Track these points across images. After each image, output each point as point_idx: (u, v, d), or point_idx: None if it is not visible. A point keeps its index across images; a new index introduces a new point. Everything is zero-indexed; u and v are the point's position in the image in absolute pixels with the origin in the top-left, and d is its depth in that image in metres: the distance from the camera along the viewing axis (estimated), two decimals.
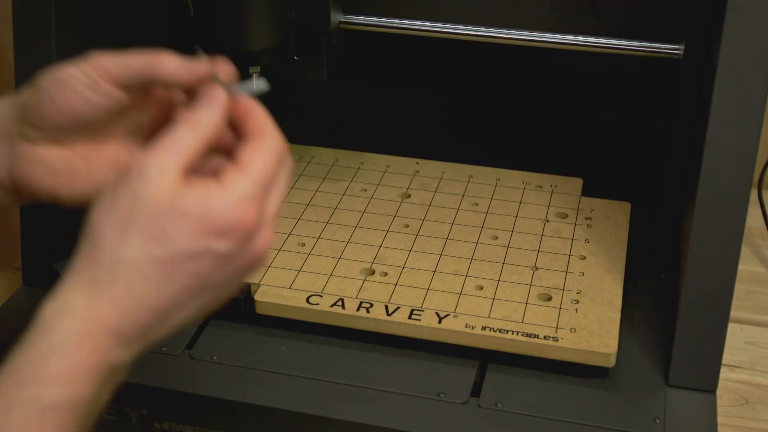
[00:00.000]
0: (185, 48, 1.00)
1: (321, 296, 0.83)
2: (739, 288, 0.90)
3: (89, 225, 0.53)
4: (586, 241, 0.90)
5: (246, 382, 0.78)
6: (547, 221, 0.93)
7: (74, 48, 0.88)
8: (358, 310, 0.81)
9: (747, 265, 1.03)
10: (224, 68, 0.60)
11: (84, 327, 0.51)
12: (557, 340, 0.77)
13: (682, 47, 0.84)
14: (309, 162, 1.03)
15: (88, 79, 0.59)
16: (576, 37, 0.89)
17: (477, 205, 0.95)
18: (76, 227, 0.92)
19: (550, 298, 0.82)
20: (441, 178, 1.00)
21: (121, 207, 0.52)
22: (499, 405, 0.76)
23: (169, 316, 0.54)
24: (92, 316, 0.51)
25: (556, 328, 0.79)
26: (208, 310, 0.57)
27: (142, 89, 0.60)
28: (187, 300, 0.54)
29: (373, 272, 0.86)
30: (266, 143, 0.57)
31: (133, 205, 0.52)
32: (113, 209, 0.53)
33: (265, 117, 0.58)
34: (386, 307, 0.81)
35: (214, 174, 0.54)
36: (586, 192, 0.97)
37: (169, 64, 0.59)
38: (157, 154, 0.53)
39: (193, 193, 0.53)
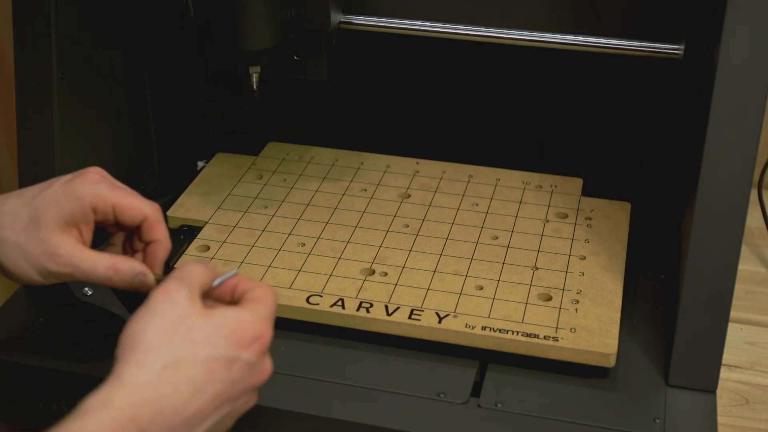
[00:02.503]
0: (186, 48, 1.00)
1: (321, 296, 0.83)
2: (739, 288, 0.90)
3: (131, 337, 0.60)
4: (586, 241, 0.90)
5: None
6: (547, 221, 0.93)
7: (74, 48, 0.88)
8: (358, 310, 0.81)
9: (747, 265, 1.03)
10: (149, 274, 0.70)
11: (118, 419, 0.56)
12: (557, 340, 0.77)
13: (682, 47, 0.84)
14: (309, 162, 1.03)
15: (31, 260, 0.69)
16: (576, 37, 0.89)
17: (477, 205, 0.95)
18: None
19: (550, 298, 0.82)
20: (441, 178, 1.00)
21: (166, 319, 0.61)
22: (499, 405, 0.76)
23: (194, 426, 0.60)
24: (128, 413, 0.56)
25: (556, 328, 0.79)
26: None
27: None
28: (214, 411, 0.61)
29: (373, 272, 0.86)
30: (269, 290, 0.67)
31: (176, 318, 0.61)
32: (156, 321, 0.61)
33: (254, 280, 0.68)
34: (386, 307, 0.81)
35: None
36: (586, 192, 0.97)
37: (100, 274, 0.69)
38: (182, 278, 0.64)
39: (225, 311, 0.63)
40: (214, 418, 0.61)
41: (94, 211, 0.70)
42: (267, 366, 0.65)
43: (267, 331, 0.65)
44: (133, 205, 0.71)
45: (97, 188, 0.71)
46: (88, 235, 0.71)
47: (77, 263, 0.68)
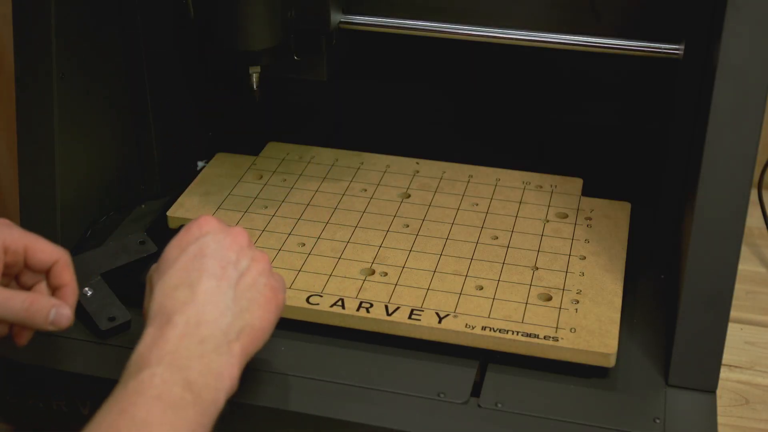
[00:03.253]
0: (186, 48, 1.00)
1: (321, 296, 0.83)
2: (739, 288, 0.90)
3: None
4: (586, 241, 0.90)
5: (246, 382, 0.78)
6: (547, 221, 0.93)
7: (74, 48, 0.88)
8: (358, 310, 0.81)
9: (747, 265, 1.03)
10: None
11: (155, 334, 0.64)
12: (557, 340, 0.77)
13: (682, 47, 0.84)
14: (309, 162, 1.03)
15: None
16: (576, 37, 0.89)
17: (477, 205, 0.95)
18: (74, 229, 0.92)
19: (550, 298, 0.82)
20: (441, 178, 1.00)
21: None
22: (499, 405, 0.76)
23: (214, 300, 0.66)
24: (158, 328, 0.65)
25: (556, 328, 0.79)
26: (261, 299, 0.69)
27: None
28: (218, 283, 0.67)
29: (373, 272, 0.86)
30: None
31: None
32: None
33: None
34: (386, 307, 0.81)
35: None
36: (586, 192, 0.97)
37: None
38: None
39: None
40: (228, 285, 0.67)
41: (5, 251, 0.71)
42: (234, 229, 0.71)
43: (208, 218, 0.72)
44: (45, 248, 0.73)
45: (9, 229, 0.72)
46: None
47: None
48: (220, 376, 0.63)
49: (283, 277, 0.85)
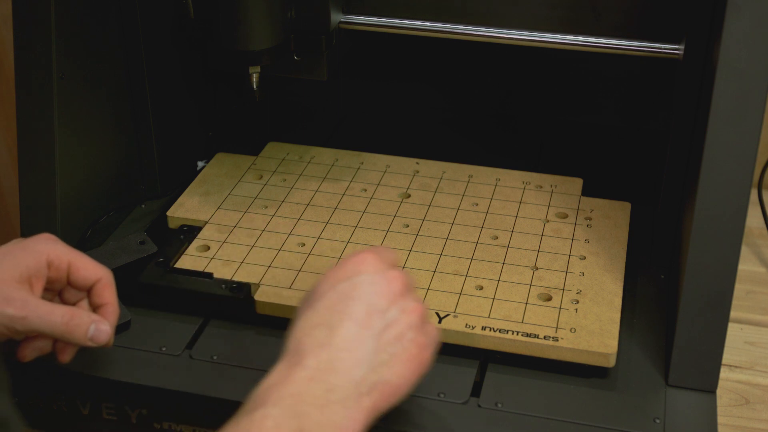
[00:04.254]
0: (185, 48, 1.00)
1: None
2: (739, 288, 0.90)
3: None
4: (586, 241, 0.90)
5: (246, 382, 0.77)
6: (547, 221, 0.93)
7: (74, 48, 0.88)
8: None
9: (747, 265, 1.03)
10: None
11: (284, 372, 0.62)
12: (557, 340, 0.77)
13: (682, 47, 0.84)
14: (309, 162, 1.03)
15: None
16: (576, 37, 0.89)
17: (477, 205, 0.95)
18: (74, 229, 0.91)
19: (550, 298, 0.82)
20: (441, 178, 1.00)
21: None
22: (499, 405, 0.76)
23: (351, 348, 0.63)
24: (290, 365, 0.63)
25: (556, 328, 0.79)
26: (403, 355, 0.65)
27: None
28: (360, 331, 0.64)
29: None
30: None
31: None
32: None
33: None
34: None
35: None
36: (586, 192, 0.97)
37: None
38: None
39: None
40: (370, 335, 0.64)
41: (49, 265, 0.72)
42: (392, 274, 0.67)
43: (370, 255, 0.68)
44: (89, 265, 0.73)
45: (54, 245, 0.73)
46: (39, 290, 0.72)
47: (33, 308, 0.69)
48: (341, 429, 0.60)
49: (283, 277, 0.85)
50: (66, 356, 0.73)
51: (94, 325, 0.71)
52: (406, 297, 0.67)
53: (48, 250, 0.72)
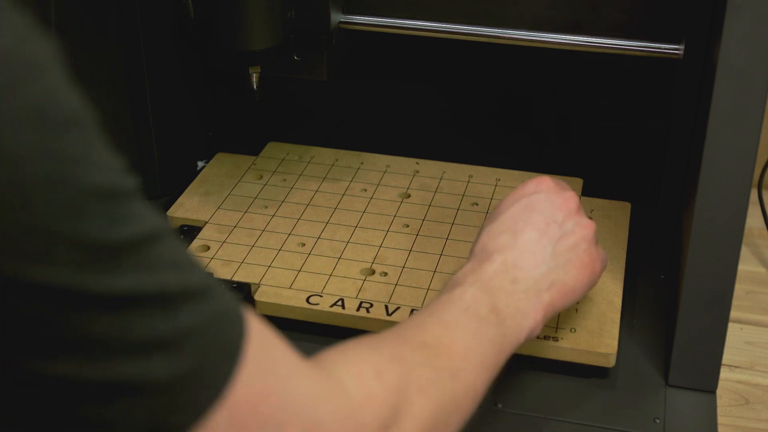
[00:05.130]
0: (185, 48, 1.00)
1: (321, 296, 0.83)
2: (739, 288, 0.90)
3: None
4: None
5: None
6: None
7: (74, 48, 0.88)
8: (358, 310, 0.81)
9: (747, 265, 1.03)
10: None
11: (472, 268, 0.70)
12: (557, 340, 0.77)
13: (682, 47, 0.84)
14: (309, 162, 1.03)
15: None
16: (576, 37, 0.89)
17: (477, 205, 0.95)
18: None
19: None
20: (441, 178, 1.00)
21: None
22: (499, 405, 0.75)
23: (532, 250, 0.70)
24: (477, 264, 0.71)
25: (556, 328, 0.79)
26: (578, 261, 0.72)
27: None
28: (539, 237, 0.71)
29: (373, 272, 0.86)
30: None
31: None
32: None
33: None
34: (386, 307, 0.81)
35: None
36: (586, 192, 0.97)
37: None
38: None
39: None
40: (548, 241, 0.71)
41: None
42: (567, 192, 0.75)
43: (544, 178, 0.76)
44: None
45: None
46: None
47: None
48: (525, 315, 0.67)
49: (283, 277, 0.85)
50: None
51: None
52: (581, 214, 0.75)
53: None
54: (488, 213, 0.94)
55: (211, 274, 0.47)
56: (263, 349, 0.47)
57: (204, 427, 0.43)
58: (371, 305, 0.81)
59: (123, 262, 0.41)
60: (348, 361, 0.54)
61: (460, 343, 0.61)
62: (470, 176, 1.00)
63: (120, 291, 0.41)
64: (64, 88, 0.42)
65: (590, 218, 0.76)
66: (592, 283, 0.73)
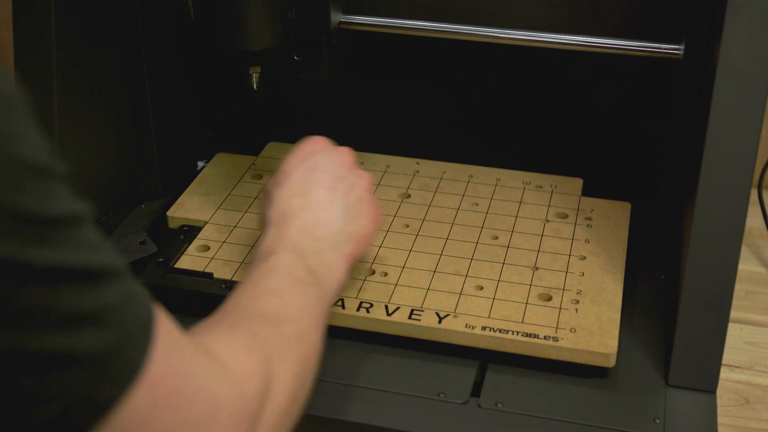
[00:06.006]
0: (185, 48, 1.00)
1: None
2: (739, 288, 0.90)
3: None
4: (586, 241, 0.90)
5: None
6: (547, 221, 0.93)
7: (74, 48, 0.88)
8: (358, 310, 0.81)
9: (747, 265, 1.03)
10: None
11: (276, 234, 0.73)
12: (557, 340, 0.77)
13: (682, 47, 0.84)
14: None
15: None
16: (576, 37, 0.89)
17: (477, 205, 0.95)
18: None
19: (550, 298, 0.82)
20: (441, 178, 1.00)
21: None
22: (499, 405, 0.76)
23: (326, 208, 0.75)
24: (278, 229, 0.73)
25: (556, 328, 0.79)
26: (365, 212, 0.77)
27: None
28: (330, 194, 0.75)
29: (373, 272, 0.86)
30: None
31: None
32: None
33: None
34: (386, 307, 0.81)
35: None
36: (586, 192, 0.97)
37: None
38: None
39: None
40: (339, 196, 0.76)
41: None
42: (342, 149, 0.80)
43: (317, 139, 0.81)
44: None
45: None
46: None
47: None
48: (334, 269, 0.72)
49: None
50: None
51: None
52: (357, 167, 0.80)
53: None
54: (487, 213, 0.94)
55: (124, 258, 0.52)
56: (168, 330, 0.51)
57: (127, 404, 0.46)
58: (371, 305, 0.81)
59: (54, 237, 0.44)
60: (222, 341, 0.58)
61: (295, 308, 0.66)
62: (470, 176, 1.00)
63: (52, 264, 0.44)
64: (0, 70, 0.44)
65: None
66: (378, 228, 0.80)
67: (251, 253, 0.74)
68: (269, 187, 0.78)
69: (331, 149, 0.80)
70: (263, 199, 0.79)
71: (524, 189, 0.98)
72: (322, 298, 0.69)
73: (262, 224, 0.76)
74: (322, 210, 0.75)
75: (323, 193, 0.76)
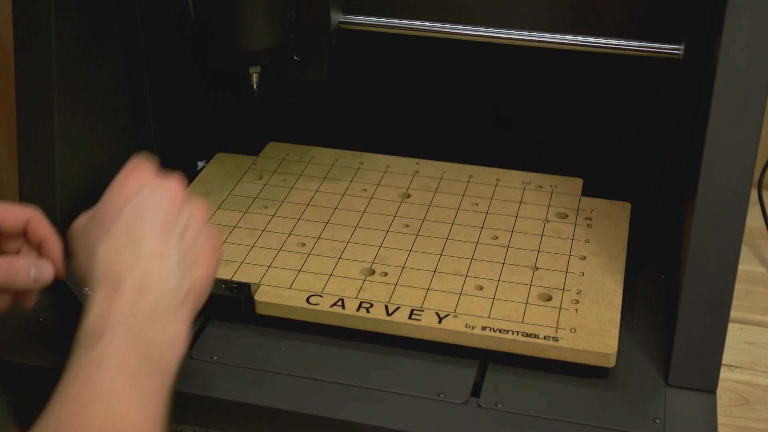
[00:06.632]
0: (185, 48, 1.00)
1: (321, 296, 0.83)
2: (739, 288, 0.90)
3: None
4: (586, 241, 0.90)
5: (246, 382, 0.78)
6: (547, 221, 0.93)
7: (74, 48, 0.88)
8: (358, 310, 0.81)
9: (747, 265, 1.03)
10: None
11: (107, 300, 0.63)
12: (557, 340, 0.77)
13: (682, 47, 0.84)
14: (309, 162, 1.03)
15: None
16: (576, 37, 0.89)
17: (477, 205, 0.95)
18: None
19: (550, 298, 0.82)
20: (441, 178, 1.00)
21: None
22: (499, 405, 0.76)
23: (161, 261, 0.65)
24: (108, 292, 0.64)
25: (556, 328, 0.79)
26: (202, 254, 0.69)
27: None
28: (162, 243, 0.66)
29: (373, 272, 0.86)
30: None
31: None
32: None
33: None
34: (386, 307, 0.81)
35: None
36: (586, 192, 0.97)
37: None
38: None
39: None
40: (173, 245, 0.66)
41: None
42: (169, 184, 0.69)
43: (141, 173, 0.70)
44: (13, 210, 0.73)
45: None
46: None
47: None
48: (175, 337, 0.64)
49: (283, 277, 0.85)
50: (27, 302, 0.73)
51: (34, 268, 0.71)
52: (188, 199, 0.71)
53: None
54: (487, 213, 0.94)
55: None
56: None
57: None
58: (371, 305, 0.81)
59: None
60: None
61: (130, 414, 0.59)
62: (470, 176, 1.00)
63: None
64: None
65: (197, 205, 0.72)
66: (218, 264, 0.72)
67: (82, 328, 0.63)
68: (86, 229, 0.68)
69: (159, 183, 0.70)
70: (78, 243, 0.69)
71: (524, 189, 0.98)
72: (161, 385, 0.62)
73: (80, 278, 0.67)
74: (155, 265, 0.65)
75: (154, 244, 0.66)
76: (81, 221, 0.70)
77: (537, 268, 0.86)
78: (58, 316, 0.85)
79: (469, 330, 0.78)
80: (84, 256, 0.67)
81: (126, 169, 0.71)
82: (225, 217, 0.94)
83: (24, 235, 0.73)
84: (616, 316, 0.80)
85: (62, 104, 0.87)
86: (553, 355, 0.77)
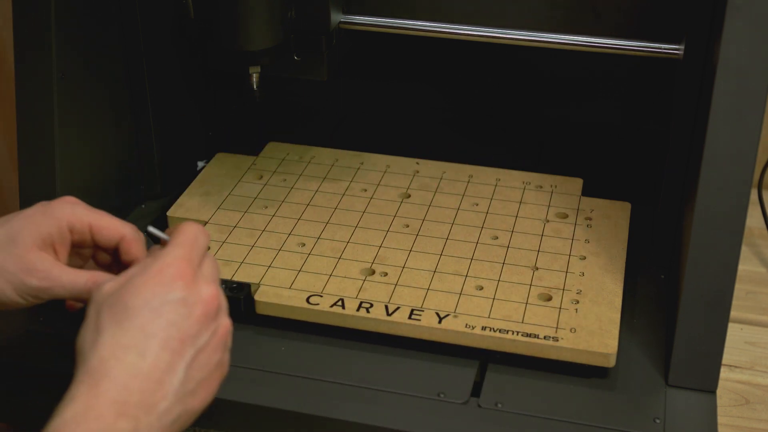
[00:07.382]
0: (185, 48, 1.00)
1: (321, 296, 0.83)
2: (739, 288, 0.90)
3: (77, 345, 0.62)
4: (586, 241, 0.90)
5: (246, 382, 0.78)
6: (547, 221, 0.93)
7: (74, 48, 0.88)
8: (358, 310, 0.81)
9: (747, 265, 1.03)
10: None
11: (88, 402, 0.57)
12: (557, 340, 0.77)
13: (682, 47, 0.84)
14: (309, 162, 1.03)
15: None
16: (576, 37, 0.89)
17: (477, 205, 0.95)
18: None
19: (550, 298, 0.82)
20: (441, 178, 1.00)
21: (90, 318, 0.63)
22: (499, 405, 0.76)
23: (162, 379, 0.60)
24: (94, 393, 0.58)
25: (556, 328, 0.79)
26: (209, 379, 0.63)
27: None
28: (172, 359, 0.60)
29: (373, 272, 0.86)
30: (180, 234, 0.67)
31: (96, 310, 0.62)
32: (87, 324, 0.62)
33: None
34: (386, 307, 0.81)
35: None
36: (586, 192, 0.97)
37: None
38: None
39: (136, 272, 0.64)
40: (180, 366, 0.60)
41: (71, 230, 0.70)
42: (206, 295, 0.63)
43: (184, 266, 0.63)
44: (110, 224, 0.71)
45: (74, 209, 0.71)
46: (64, 255, 0.71)
47: (56, 277, 0.68)
48: None
49: (283, 277, 0.85)
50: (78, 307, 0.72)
51: None
52: (221, 314, 0.65)
53: (67, 215, 0.70)
54: (487, 213, 0.94)
55: None
56: None
57: None
58: (371, 305, 0.81)
59: None
60: None
61: None
62: (470, 176, 1.00)
63: None
64: None
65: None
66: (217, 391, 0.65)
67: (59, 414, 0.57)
68: (102, 315, 0.61)
69: (196, 289, 0.63)
70: (92, 311, 0.62)
71: (524, 189, 0.98)
72: None
73: (77, 347, 0.61)
74: (156, 382, 0.59)
75: (165, 360, 0.60)
76: (108, 289, 0.63)
77: (537, 268, 0.86)
78: (58, 316, 0.84)
79: (469, 330, 0.78)
80: (89, 331, 0.61)
81: (172, 253, 0.64)
82: (225, 217, 0.94)
83: (117, 252, 0.71)
84: (616, 316, 0.80)
85: (62, 104, 0.87)
86: (553, 355, 0.77)
